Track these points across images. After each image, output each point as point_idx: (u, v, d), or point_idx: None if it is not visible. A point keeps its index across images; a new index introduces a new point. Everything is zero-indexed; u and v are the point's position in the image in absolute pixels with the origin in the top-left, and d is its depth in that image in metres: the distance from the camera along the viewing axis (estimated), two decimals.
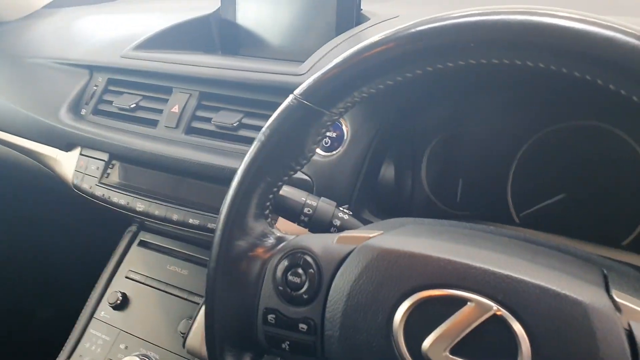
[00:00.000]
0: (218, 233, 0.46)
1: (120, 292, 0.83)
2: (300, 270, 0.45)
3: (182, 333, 0.75)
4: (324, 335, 0.43)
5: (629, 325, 0.35)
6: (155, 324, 0.79)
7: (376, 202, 0.68)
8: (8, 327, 1.02)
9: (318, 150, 0.65)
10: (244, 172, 0.46)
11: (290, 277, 0.45)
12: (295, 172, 0.47)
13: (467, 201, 0.70)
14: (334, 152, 0.65)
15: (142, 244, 0.87)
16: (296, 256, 0.45)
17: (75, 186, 0.82)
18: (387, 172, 0.70)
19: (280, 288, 0.45)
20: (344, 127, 0.66)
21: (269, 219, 0.48)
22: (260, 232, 0.47)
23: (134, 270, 0.85)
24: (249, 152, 0.46)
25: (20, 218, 1.07)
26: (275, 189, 0.47)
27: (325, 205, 0.54)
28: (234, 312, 0.47)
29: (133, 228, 0.89)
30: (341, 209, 0.54)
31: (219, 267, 0.47)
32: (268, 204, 0.48)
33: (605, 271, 0.39)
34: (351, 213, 0.55)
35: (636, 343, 0.35)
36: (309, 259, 0.45)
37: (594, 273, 0.38)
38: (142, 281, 0.83)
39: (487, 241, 0.42)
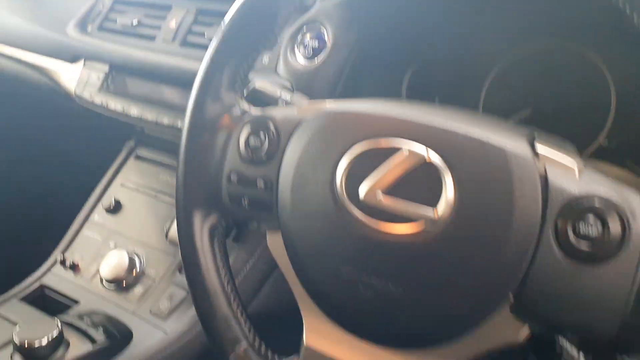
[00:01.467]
0: (192, 99, 0.51)
1: (115, 198, 0.88)
2: (261, 134, 0.49)
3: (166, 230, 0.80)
4: (279, 190, 0.47)
5: (545, 170, 0.38)
6: (144, 227, 0.84)
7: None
8: (7, 226, 1.08)
9: (299, 59, 0.69)
10: (219, 43, 0.50)
11: (252, 140, 0.49)
12: (267, 48, 0.51)
13: None
14: (315, 61, 0.69)
15: (138, 157, 0.92)
16: (259, 122, 0.49)
17: (77, 95, 0.87)
18: (366, 87, 0.74)
19: (243, 150, 0.49)
20: (325, 37, 0.69)
21: (239, 94, 0.52)
22: (230, 103, 0.51)
23: (129, 179, 0.90)
24: (226, 23, 0.50)
25: (22, 131, 1.13)
26: (246, 64, 0.51)
27: (298, 99, 0.58)
28: (202, 175, 0.51)
29: (131, 143, 0.94)
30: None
31: (190, 132, 0.51)
32: (240, 78, 0.52)
33: (535, 133, 0.42)
34: None
35: (548, 186, 0.38)
36: (270, 124, 0.49)
37: (523, 132, 0.42)
38: (136, 188, 0.88)
39: (427, 107, 0.46)
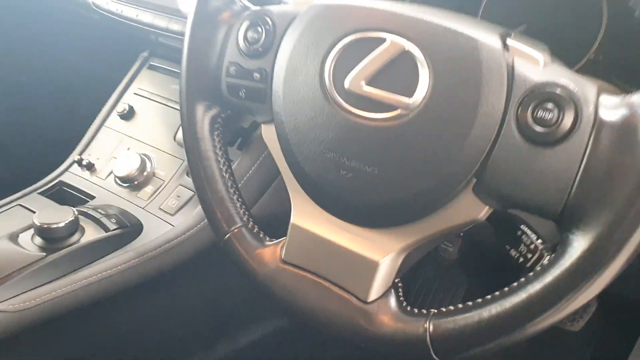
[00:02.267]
0: None
1: (129, 105, 0.92)
2: (259, 28, 0.52)
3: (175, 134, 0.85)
4: (273, 81, 0.51)
5: (513, 60, 0.42)
6: (154, 131, 0.89)
7: None
8: (28, 129, 1.14)
9: None
10: None
11: (250, 34, 0.52)
12: None
13: None
14: None
15: (151, 67, 0.96)
16: (257, 16, 0.53)
17: (94, 4, 0.90)
18: None
19: (242, 44, 0.53)
20: None
21: None
22: None
23: (142, 88, 0.94)
24: None
25: (43, 42, 1.17)
26: None
27: None
28: (204, 68, 0.55)
29: (145, 54, 0.98)
30: None
31: (194, 26, 0.55)
32: None
33: (512, 32, 0.45)
34: None
35: (514, 75, 0.41)
36: (267, 18, 0.52)
37: (499, 29, 0.45)
38: (148, 97, 0.92)
39: (411, 3, 0.48)
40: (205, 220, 0.76)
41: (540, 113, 0.40)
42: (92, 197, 0.85)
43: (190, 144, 0.56)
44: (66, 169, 0.90)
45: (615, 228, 0.38)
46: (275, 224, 0.56)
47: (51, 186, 0.87)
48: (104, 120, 0.94)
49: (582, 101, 0.39)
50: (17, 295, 0.66)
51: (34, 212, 0.77)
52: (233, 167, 0.59)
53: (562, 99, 0.40)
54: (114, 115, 0.93)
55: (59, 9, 1.07)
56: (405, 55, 0.44)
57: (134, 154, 0.85)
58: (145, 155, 0.86)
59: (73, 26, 1.09)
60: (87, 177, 0.88)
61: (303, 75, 0.48)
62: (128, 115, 0.92)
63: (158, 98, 0.91)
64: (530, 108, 0.40)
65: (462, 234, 0.94)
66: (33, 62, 1.18)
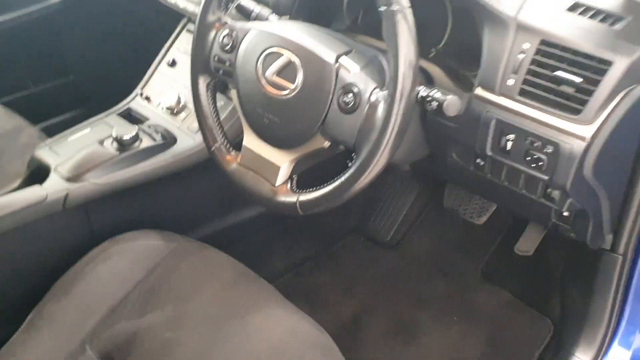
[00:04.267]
0: (199, 12, 0.97)
1: (173, 57, 1.38)
2: (230, 35, 0.95)
3: None
4: (235, 67, 0.95)
5: (338, 69, 0.84)
6: (188, 76, 1.34)
7: (309, 15, 1.15)
8: (105, 72, 1.65)
9: None
10: None
11: (225, 39, 0.96)
12: None
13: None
14: None
15: (188, 30, 1.41)
16: (230, 28, 0.95)
17: None
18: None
19: (221, 43, 0.96)
20: None
21: (224, 12, 0.98)
22: (219, 16, 0.98)
23: (182, 45, 1.39)
24: None
25: (114, 15, 1.65)
26: None
27: (266, 13, 1.02)
28: (202, 56, 0.99)
29: (184, 20, 1.42)
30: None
31: (198, 30, 0.99)
32: (225, 2, 0.97)
33: (354, 49, 0.87)
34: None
35: (337, 77, 0.84)
36: (234, 30, 0.95)
37: (341, 49, 0.86)
38: (185, 51, 1.38)
39: (314, 31, 0.91)
40: None
41: (345, 97, 0.83)
42: (147, 119, 1.32)
43: (195, 97, 1.02)
44: (132, 99, 1.37)
45: (374, 149, 0.81)
46: (238, 143, 1.02)
47: (123, 110, 1.35)
48: (157, 67, 1.40)
49: (362, 92, 0.82)
50: (103, 175, 1.16)
51: (111, 127, 1.25)
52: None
53: (352, 89, 0.82)
54: (164, 64, 1.39)
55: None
56: (292, 62, 0.87)
57: (174, 92, 1.31)
58: (181, 92, 1.32)
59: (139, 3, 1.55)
60: (145, 105, 1.36)
61: (248, 66, 0.93)
62: (172, 64, 1.38)
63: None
64: (342, 95, 0.83)
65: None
66: (110, 30, 1.67)
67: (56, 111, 1.84)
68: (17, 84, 1.80)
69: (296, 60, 0.87)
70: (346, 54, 0.86)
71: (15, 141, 1.40)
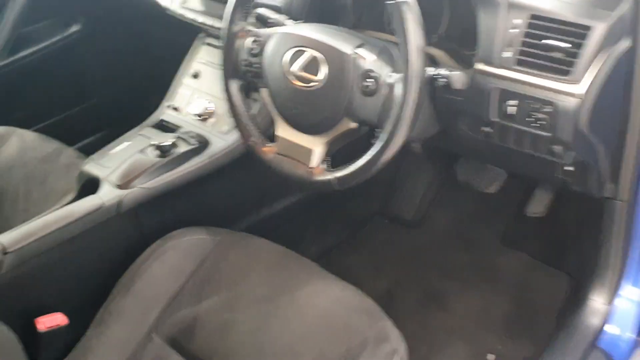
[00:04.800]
0: (224, 23, 1.10)
1: (195, 69, 1.50)
2: (256, 41, 1.07)
3: None
4: (263, 68, 1.07)
5: (356, 59, 0.96)
6: (212, 86, 1.45)
7: (319, 16, 1.26)
8: (137, 87, 1.78)
9: None
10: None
11: (251, 44, 1.08)
12: None
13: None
14: None
15: (206, 44, 1.53)
16: (255, 34, 1.08)
17: (165, 8, 1.47)
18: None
19: (248, 49, 1.08)
20: None
21: (247, 21, 1.10)
22: (243, 25, 1.10)
23: (202, 57, 1.51)
24: None
25: (137, 34, 1.77)
26: (250, 5, 1.09)
27: (282, 19, 1.14)
28: (232, 61, 1.11)
29: (202, 35, 1.54)
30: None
31: (226, 39, 1.10)
32: (247, 13, 1.10)
33: (363, 42, 0.99)
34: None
35: (356, 65, 0.96)
36: (259, 37, 1.07)
37: (357, 41, 0.98)
38: (206, 63, 1.50)
39: (329, 29, 1.03)
40: None
41: (366, 82, 0.95)
42: (179, 127, 1.44)
43: (229, 99, 1.14)
44: (162, 112, 1.50)
45: (396, 123, 0.93)
46: (271, 135, 1.14)
47: (156, 122, 1.47)
48: (181, 79, 1.52)
49: (380, 76, 0.94)
50: (149, 181, 1.28)
51: (149, 138, 1.37)
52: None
53: (373, 75, 0.94)
54: (187, 76, 1.51)
55: (149, 11, 1.65)
56: (315, 57, 0.99)
57: (202, 100, 1.43)
58: (207, 100, 1.44)
59: (157, 20, 1.67)
60: (175, 115, 1.47)
61: (275, 66, 1.05)
62: (196, 76, 1.50)
63: (212, 64, 1.48)
64: (362, 80, 0.95)
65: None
66: (134, 46, 1.80)
67: (85, 134, 1.97)
68: (47, 111, 1.94)
69: (318, 55, 0.99)
70: (361, 45, 0.98)
71: (58, 162, 1.53)
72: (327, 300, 1.10)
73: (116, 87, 1.99)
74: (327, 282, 1.14)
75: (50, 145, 1.58)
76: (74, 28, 1.92)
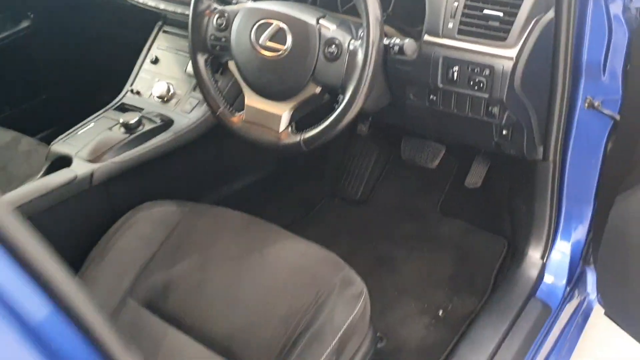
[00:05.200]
0: (192, 3, 1.19)
1: (155, 55, 1.57)
2: (223, 17, 1.17)
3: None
4: (231, 41, 1.16)
5: (320, 28, 1.07)
6: (172, 69, 1.53)
7: None
8: (96, 76, 1.83)
9: None
10: None
11: (218, 20, 1.17)
12: None
13: None
14: None
15: (165, 31, 1.60)
16: (222, 10, 1.17)
17: None
18: None
19: (215, 24, 1.18)
20: None
21: None
22: (210, 3, 1.19)
23: (161, 44, 1.59)
24: None
25: (93, 22, 1.82)
26: None
27: None
28: (199, 36, 1.20)
29: (160, 23, 1.62)
30: None
31: (192, 17, 1.19)
32: None
33: (324, 14, 1.11)
34: None
35: (320, 34, 1.07)
36: (226, 12, 1.17)
37: (318, 13, 1.10)
38: (165, 49, 1.57)
39: (292, 3, 1.13)
40: (205, 115, 1.44)
41: (329, 49, 1.06)
42: (142, 109, 1.51)
43: (196, 74, 1.23)
44: (124, 95, 1.56)
45: (357, 85, 1.04)
46: (240, 105, 1.23)
47: (119, 105, 1.53)
48: (141, 65, 1.59)
49: (342, 43, 1.05)
50: (117, 155, 1.34)
51: (115, 119, 1.43)
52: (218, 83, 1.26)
53: (335, 42, 1.06)
54: (147, 62, 1.58)
55: (104, 3, 1.70)
56: (281, 28, 1.10)
57: (162, 83, 1.51)
58: (168, 82, 1.51)
59: (111, 11, 1.73)
60: (137, 98, 1.53)
61: (243, 38, 1.14)
62: (155, 61, 1.57)
63: (171, 50, 1.56)
64: (326, 47, 1.07)
65: (370, 118, 1.63)
66: (90, 35, 1.85)
67: (41, 127, 1.98)
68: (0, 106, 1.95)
69: (284, 26, 1.09)
70: (323, 17, 1.10)
71: (17, 149, 1.56)
72: (294, 255, 1.19)
73: (70, 80, 2.02)
74: (293, 240, 1.23)
75: (8, 134, 1.61)
76: (24, 24, 1.94)
